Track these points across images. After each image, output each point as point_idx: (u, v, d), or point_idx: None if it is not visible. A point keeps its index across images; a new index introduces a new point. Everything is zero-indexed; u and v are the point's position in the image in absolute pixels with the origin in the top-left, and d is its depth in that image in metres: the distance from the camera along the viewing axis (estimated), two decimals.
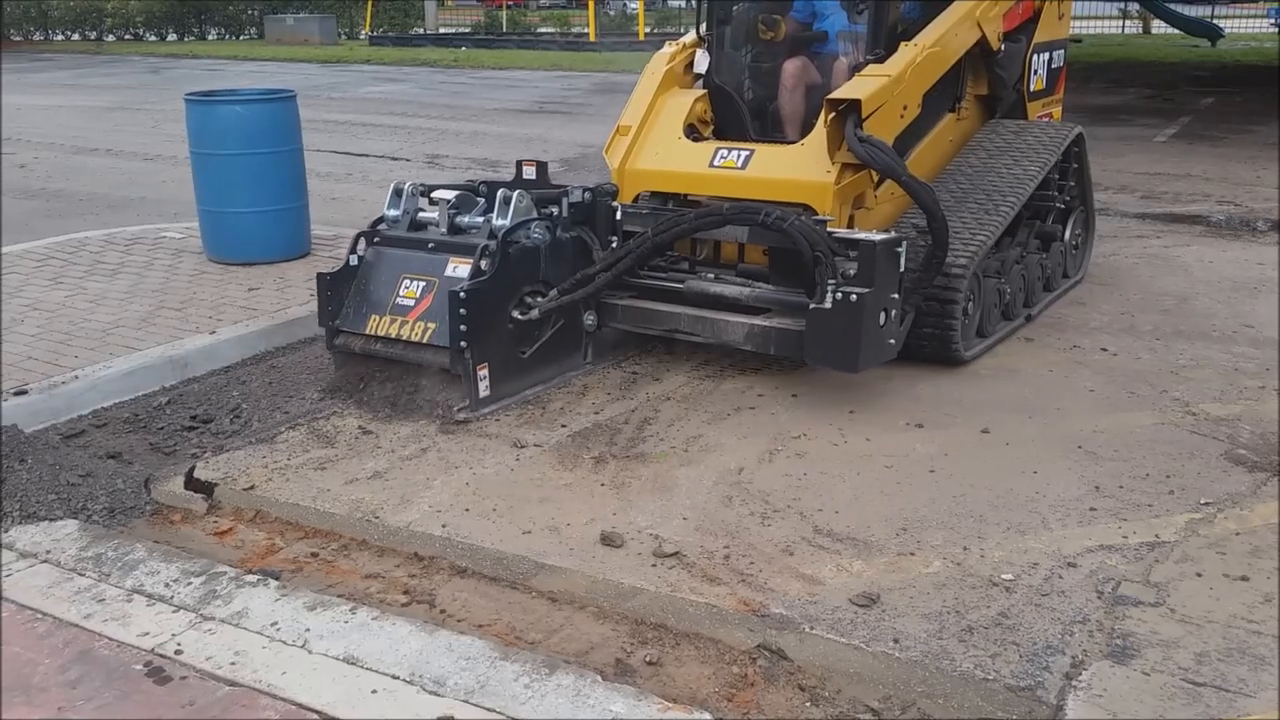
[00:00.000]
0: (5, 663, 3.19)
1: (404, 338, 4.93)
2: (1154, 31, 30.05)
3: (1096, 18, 30.76)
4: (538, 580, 3.66)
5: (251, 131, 6.97)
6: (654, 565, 3.68)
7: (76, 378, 5.15)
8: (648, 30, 29.29)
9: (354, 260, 5.19)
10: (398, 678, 3.07)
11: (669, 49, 6.21)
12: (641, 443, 4.65)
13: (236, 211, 7.04)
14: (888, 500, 4.12)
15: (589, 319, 5.37)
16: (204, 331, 5.80)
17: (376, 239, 5.23)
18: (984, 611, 3.37)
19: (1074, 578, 3.55)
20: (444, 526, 3.95)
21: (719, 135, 5.98)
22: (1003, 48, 6.34)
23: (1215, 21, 27.43)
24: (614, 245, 5.34)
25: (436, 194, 5.30)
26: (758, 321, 5.04)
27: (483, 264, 4.87)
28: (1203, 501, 4.08)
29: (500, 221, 5.04)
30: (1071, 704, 2.93)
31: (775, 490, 4.21)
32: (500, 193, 5.12)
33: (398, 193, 5.30)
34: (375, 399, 5.04)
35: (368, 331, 5.03)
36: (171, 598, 3.51)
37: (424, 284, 5.00)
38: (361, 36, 33.56)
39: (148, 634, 3.31)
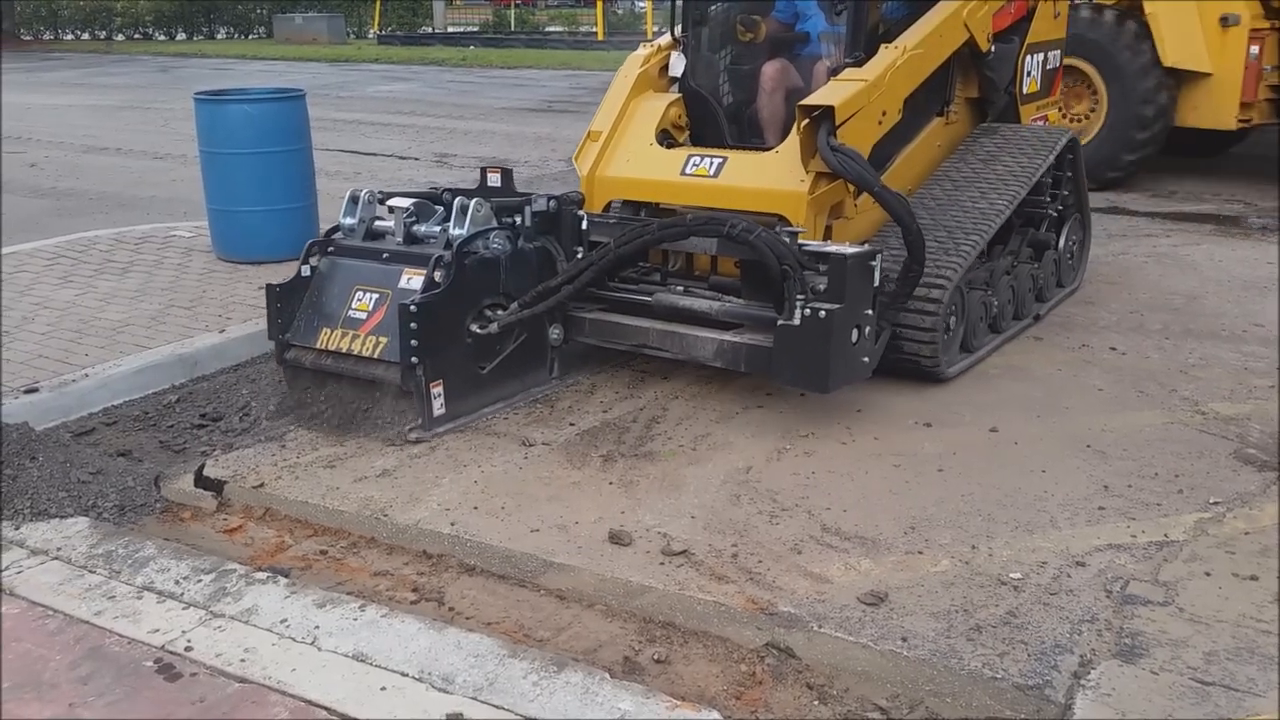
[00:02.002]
0: (17, 659, 3.20)
1: (355, 352, 4.71)
2: None
3: None
4: (546, 578, 3.67)
5: (261, 130, 6.98)
6: (662, 563, 3.68)
7: (87, 376, 5.17)
8: (656, 28, 29.25)
9: (306, 270, 4.96)
10: (407, 675, 3.08)
11: (643, 51, 5.97)
12: (650, 441, 4.66)
13: (246, 210, 7.06)
14: (896, 499, 4.12)
15: (554, 333, 5.15)
16: (213, 330, 5.81)
17: (330, 248, 5.02)
18: (992, 610, 3.37)
19: (1082, 577, 3.55)
20: (452, 524, 3.96)
21: (695, 141, 5.76)
22: (993, 49, 6.11)
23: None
24: (579, 256, 5.10)
25: (392, 202, 5.08)
26: (727, 337, 4.80)
27: (436, 275, 4.63)
28: (1212, 501, 4.07)
29: (457, 231, 4.81)
30: (1080, 703, 2.93)
31: (783, 489, 4.21)
32: (458, 201, 4.90)
33: (354, 200, 5.07)
34: (327, 417, 4.83)
35: (318, 346, 4.80)
36: (181, 595, 3.52)
37: (377, 296, 4.77)
38: (370, 35, 33.61)
39: (158, 631, 3.32)
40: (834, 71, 5.34)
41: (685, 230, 4.86)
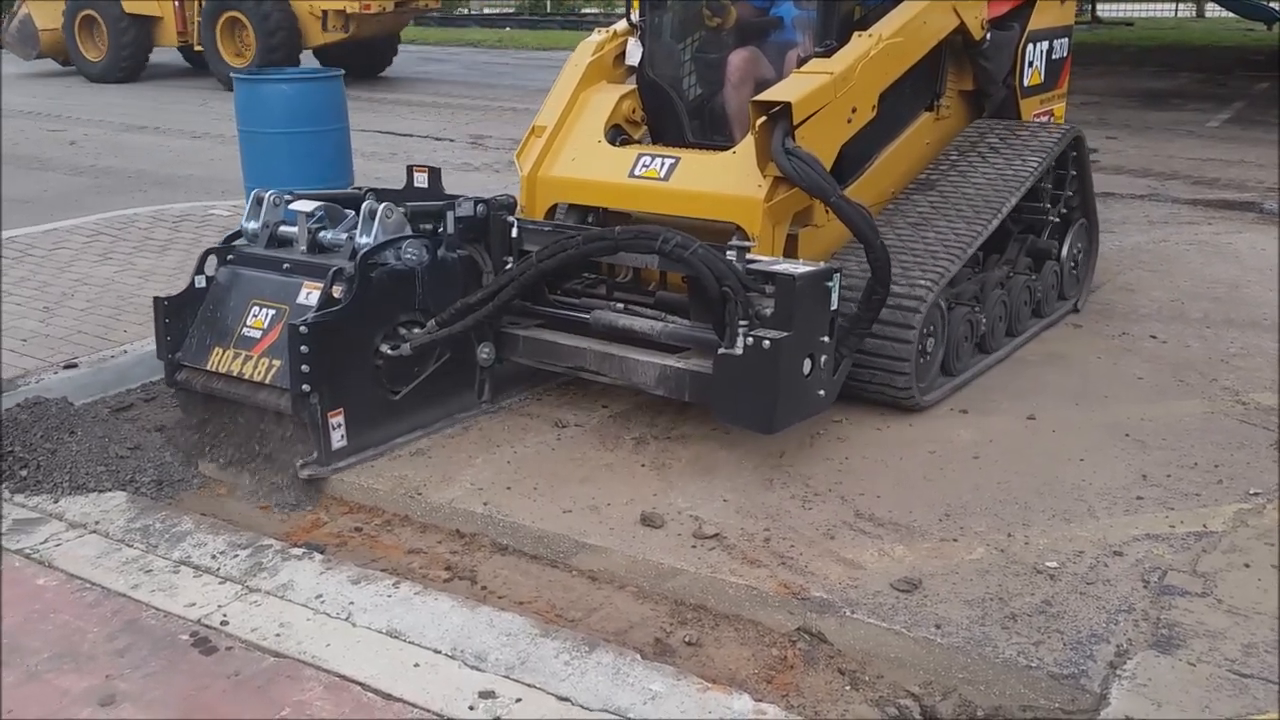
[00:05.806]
0: (55, 631, 3.25)
1: (246, 376, 4.20)
2: (1208, 15, 29.52)
3: (1149, 0, 30.25)
4: (578, 559, 3.68)
5: (298, 110, 7.01)
6: (694, 546, 3.68)
7: (125, 352, 5.23)
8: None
9: (200, 281, 4.44)
10: (440, 652, 3.10)
11: (597, 37, 5.39)
12: (683, 424, 4.65)
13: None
14: (930, 486, 4.09)
15: (484, 352, 4.63)
16: None
17: (229, 256, 4.48)
18: (1028, 599, 3.34)
19: (1120, 566, 3.51)
20: (485, 504, 3.97)
21: (654, 138, 5.24)
22: (988, 37, 5.48)
23: (1272, 5, 26.88)
24: (508, 268, 4.57)
25: (295, 205, 4.50)
26: (670, 363, 4.29)
27: (335, 290, 4.11)
28: (1252, 492, 4.02)
29: (363, 239, 4.26)
30: (1116, 693, 2.90)
31: (816, 474, 4.19)
32: (365, 205, 4.33)
33: (258, 201, 4.52)
34: (219, 447, 4.41)
35: (209, 367, 4.30)
36: (218, 569, 3.56)
37: (273, 312, 4.24)
38: None
39: (194, 605, 3.36)
40: (804, 62, 4.81)
41: (613, 244, 4.33)
